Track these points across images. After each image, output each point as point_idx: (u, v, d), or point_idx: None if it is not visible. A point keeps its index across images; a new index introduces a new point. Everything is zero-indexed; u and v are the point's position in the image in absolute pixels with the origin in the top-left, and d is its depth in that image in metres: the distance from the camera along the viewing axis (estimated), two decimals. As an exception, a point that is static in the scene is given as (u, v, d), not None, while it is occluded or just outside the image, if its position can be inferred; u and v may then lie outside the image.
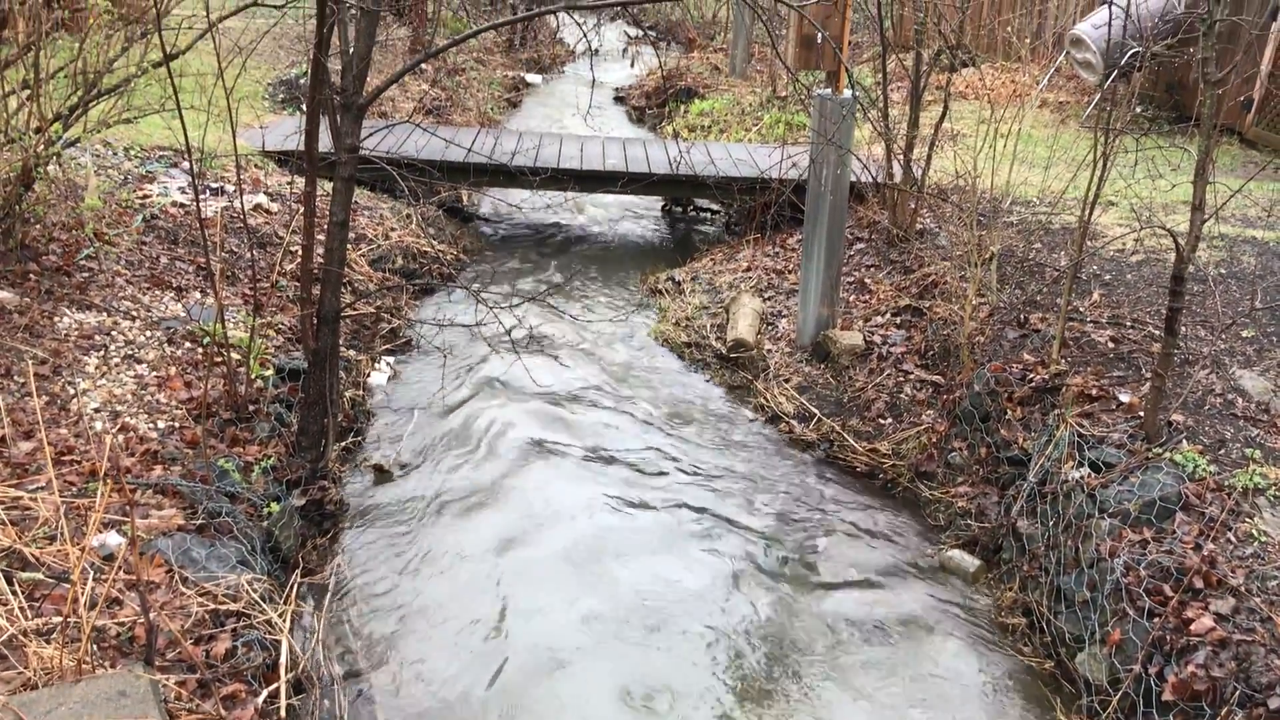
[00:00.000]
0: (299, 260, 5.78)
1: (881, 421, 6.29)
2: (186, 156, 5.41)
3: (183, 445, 4.79)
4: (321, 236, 5.45)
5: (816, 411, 6.46)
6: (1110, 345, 5.64)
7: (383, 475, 5.70)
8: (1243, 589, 3.98)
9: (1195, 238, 4.53)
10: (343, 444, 5.77)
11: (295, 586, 4.32)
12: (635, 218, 10.60)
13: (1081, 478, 4.75)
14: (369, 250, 7.96)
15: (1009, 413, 5.53)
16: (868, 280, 7.61)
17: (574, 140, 10.30)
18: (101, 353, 5.28)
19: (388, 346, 7.15)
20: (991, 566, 5.18)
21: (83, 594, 3.39)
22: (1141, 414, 4.91)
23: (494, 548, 5.13)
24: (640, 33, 18.87)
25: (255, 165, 8.41)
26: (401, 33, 14.12)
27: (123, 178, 7.31)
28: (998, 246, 6.54)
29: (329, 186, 5.14)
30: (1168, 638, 3.96)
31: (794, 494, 5.80)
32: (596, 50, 15.77)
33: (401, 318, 7.56)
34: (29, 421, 4.52)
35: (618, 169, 9.22)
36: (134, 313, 5.72)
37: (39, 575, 3.68)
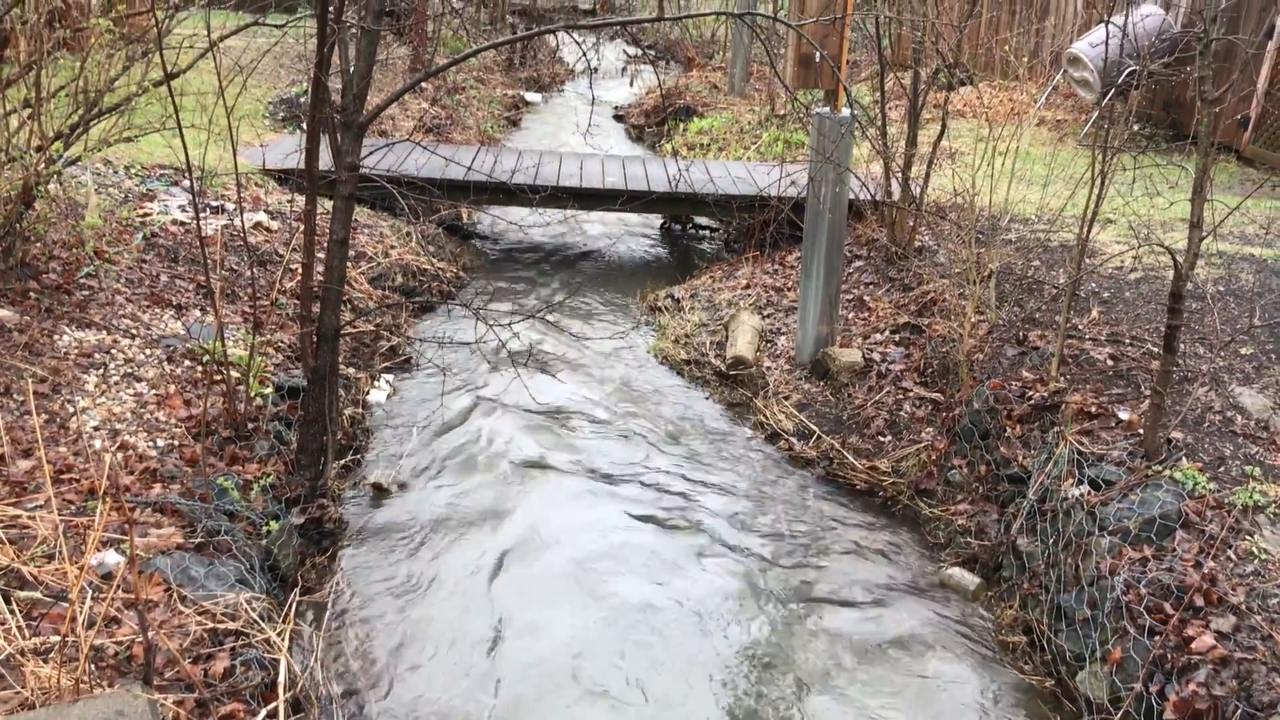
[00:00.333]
0: (299, 278, 5.79)
1: (881, 439, 6.28)
2: (187, 175, 5.43)
3: (182, 463, 4.79)
4: (321, 254, 5.46)
5: (816, 429, 6.46)
6: (1109, 363, 5.64)
7: (382, 493, 5.69)
8: (1243, 607, 3.97)
9: (1193, 255, 4.54)
10: (342, 462, 5.77)
11: (294, 605, 4.31)
12: (635, 235, 10.62)
13: (1081, 495, 4.75)
14: (369, 268, 7.98)
15: (1008, 430, 5.53)
16: (867, 298, 7.62)
17: (573, 158, 10.33)
18: (101, 371, 5.28)
19: (387, 364, 7.15)
20: (992, 584, 5.17)
21: (81, 613, 3.38)
22: (1141, 431, 4.91)
23: (493, 566, 5.12)
24: (639, 52, 18.94)
25: (256, 183, 8.43)
26: (401, 52, 14.18)
27: (123, 196, 7.32)
28: (996, 264, 6.56)
29: (329, 204, 5.16)
30: (1169, 656, 3.95)
31: (793, 512, 5.79)
32: (596, 69, 15.85)
33: (401, 335, 7.57)
34: (28, 439, 4.52)
35: (617, 187, 9.24)
36: (134, 331, 5.72)
37: (37, 594, 3.67)
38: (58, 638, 3.38)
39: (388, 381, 6.93)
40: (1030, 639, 4.71)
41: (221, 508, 4.59)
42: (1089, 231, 5.50)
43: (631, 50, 19.81)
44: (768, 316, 7.84)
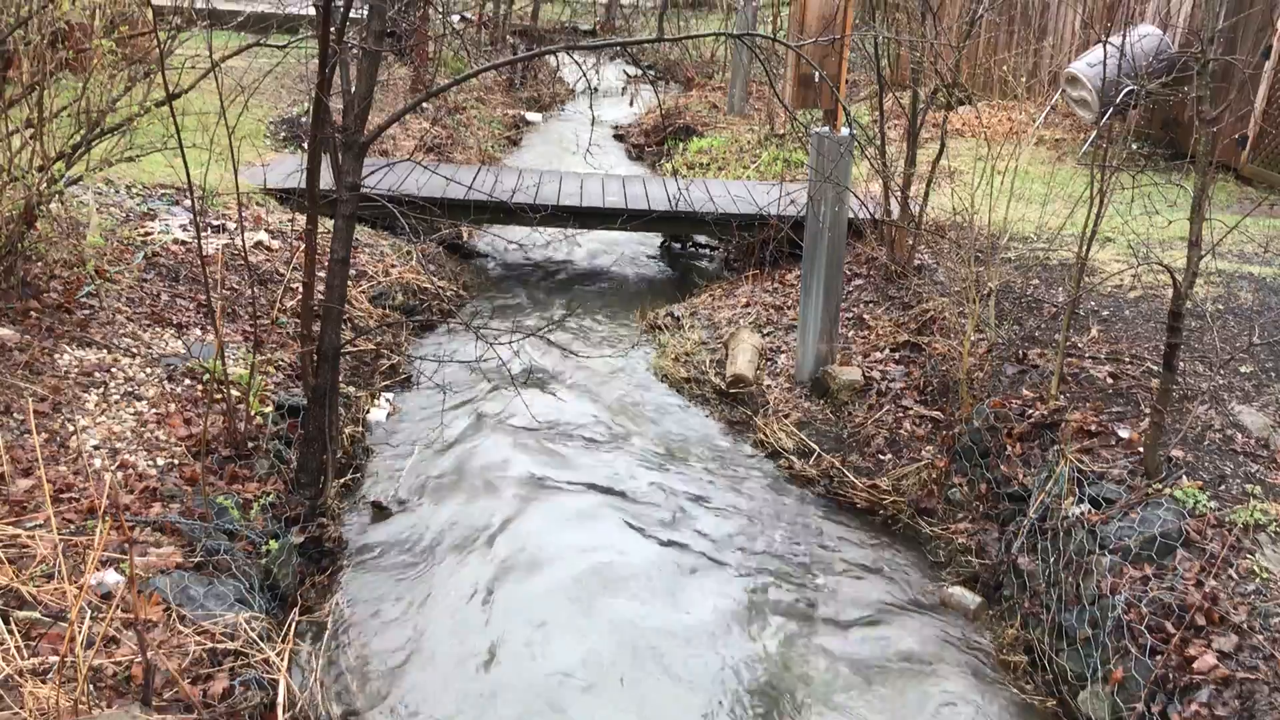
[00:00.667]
0: (299, 297, 5.80)
1: (881, 457, 6.28)
2: (188, 194, 5.45)
3: (182, 482, 4.78)
4: (322, 273, 5.47)
5: (816, 447, 6.45)
6: (1109, 381, 5.65)
7: (381, 512, 5.68)
8: (1245, 626, 3.96)
9: (1192, 274, 4.55)
10: (342, 481, 5.76)
11: (293, 624, 4.30)
12: (634, 254, 10.64)
13: (1082, 514, 4.74)
14: (369, 287, 7.99)
15: (1008, 448, 5.53)
16: (866, 316, 7.63)
17: (574, 177, 10.36)
18: (101, 390, 5.28)
19: (387, 383, 7.15)
20: (992, 603, 5.16)
21: (80, 633, 3.37)
22: (1141, 450, 4.91)
23: (492, 585, 5.11)
24: (639, 72, 19.01)
25: (257, 203, 8.45)
26: (403, 72, 14.24)
27: (124, 215, 7.34)
28: (996, 282, 6.57)
29: (330, 223, 5.17)
30: (1171, 676, 3.93)
31: (794, 531, 5.79)
32: (596, 89, 15.89)
33: (401, 354, 7.58)
34: (28, 459, 4.52)
35: (617, 206, 9.26)
36: (134, 350, 5.73)
37: (36, 614, 3.66)
38: (56, 658, 3.38)
39: (388, 400, 6.93)
40: (1031, 658, 4.69)
41: (221, 527, 4.58)
42: (1088, 250, 5.51)
43: (631, 70, 19.88)
44: (768, 335, 7.85)
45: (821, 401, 6.89)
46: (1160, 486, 4.66)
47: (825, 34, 6.22)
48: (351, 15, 5.01)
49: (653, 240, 10.96)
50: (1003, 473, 5.49)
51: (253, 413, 5.41)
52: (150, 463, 4.85)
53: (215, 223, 7.65)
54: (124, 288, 6.31)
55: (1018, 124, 11.83)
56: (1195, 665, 3.89)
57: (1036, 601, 4.82)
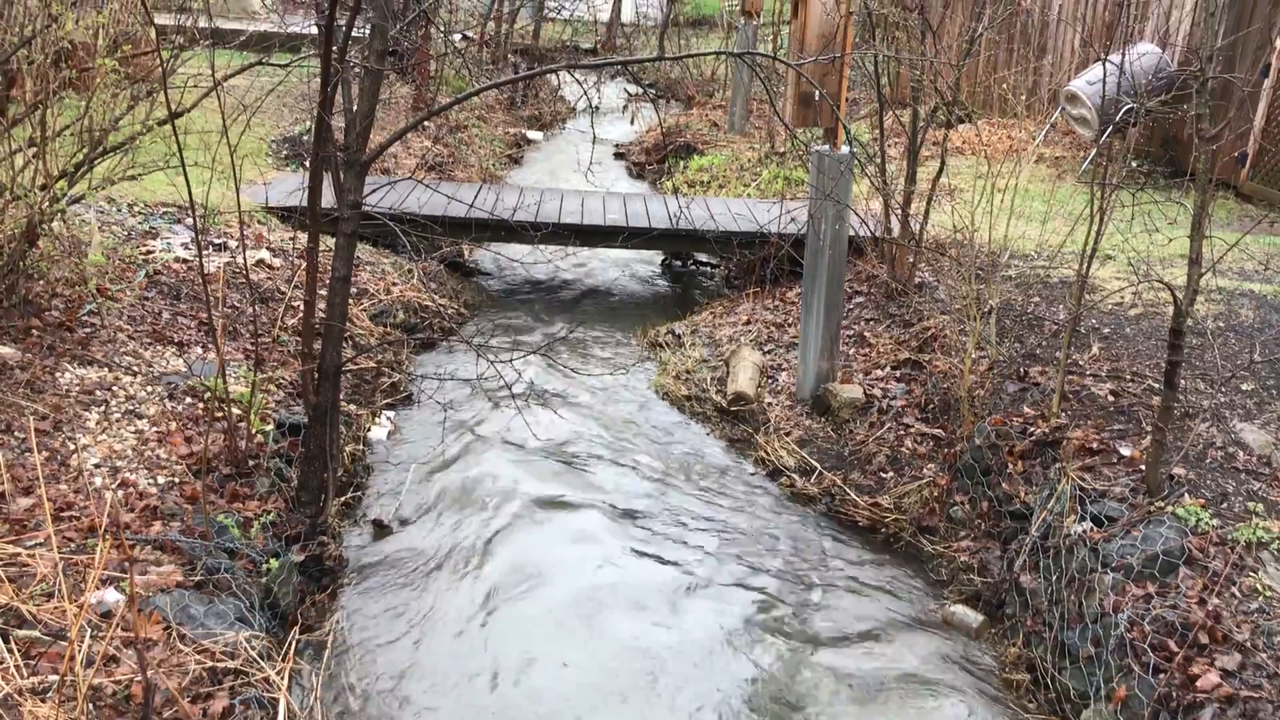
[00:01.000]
0: (301, 315, 5.80)
1: (883, 475, 6.27)
2: (190, 212, 5.46)
3: (182, 501, 4.78)
4: (323, 291, 5.48)
5: (817, 465, 6.44)
6: (1110, 399, 5.64)
7: (382, 530, 5.67)
8: (1248, 644, 3.95)
9: (1193, 291, 4.55)
10: (342, 499, 5.75)
11: (294, 643, 4.29)
12: (635, 272, 10.66)
13: (1084, 532, 4.73)
14: (370, 305, 8.00)
15: (1010, 466, 5.52)
16: (867, 334, 7.64)
17: (575, 195, 10.38)
18: (102, 408, 5.28)
19: (388, 401, 7.15)
20: (995, 622, 5.14)
21: (79, 652, 3.36)
22: (1143, 467, 4.90)
23: (493, 603, 5.09)
24: (640, 90, 19.07)
25: (258, 221, 8.47)
26: (404, 91, 14.29)
27: (126, 234, 7.36)
28: (996, 300, 6.57)
29: (331, 242, 5.18)
30: (1174, 694, 3.92)
31: (795, 549, 5.77)
32: (597, 107, 15.96)
33: (402, 372, 7.58)
34: (28, 477, 4.52)
35: (618, 224, 9.28)
36: (135, 368, 5.73)
37: (36, 633, 3.65)
38: (56, 677, 3.37)
39: (389, 418, 6.93)
40: (1034, 677, 4.67)
41: (222, 545, 4.57)
42: (1088, 268, 5.52)
43: (632, 89, 19.96)
44: (768, 352, 7.85)
45: (823, 419, 6.88)
46: (1162, 504, 4.65)
47: (825, 53, 6.24)
48: (354, 34, 5.04)
49: (654, 258, 10.97)
50: (1004, 491, 5.48)
51: (254, 431, 5.41)
52: (151, 481, 4.85)
53: (217, 241, 7.66)
54: (125, 306, 6.32)
55: (1018, 142, 11.86)
56: (1198, 684, 3.88)
57: (1039, 620, 4.80)
